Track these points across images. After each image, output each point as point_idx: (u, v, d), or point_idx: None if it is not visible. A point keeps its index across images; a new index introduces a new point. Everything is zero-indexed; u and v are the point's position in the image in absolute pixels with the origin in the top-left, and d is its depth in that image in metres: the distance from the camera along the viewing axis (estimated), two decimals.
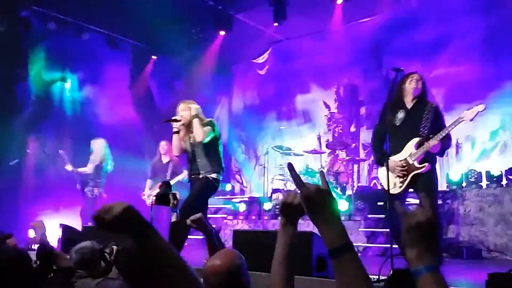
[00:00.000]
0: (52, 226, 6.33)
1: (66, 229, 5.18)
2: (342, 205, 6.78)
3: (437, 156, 4.16)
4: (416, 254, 1.15)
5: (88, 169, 7.36)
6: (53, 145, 8.23)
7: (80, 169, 7.34)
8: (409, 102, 4.20)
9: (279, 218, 1.52)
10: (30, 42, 8.14)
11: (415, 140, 4.01)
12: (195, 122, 4.63)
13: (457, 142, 7.58)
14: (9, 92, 7.82)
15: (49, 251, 2.56)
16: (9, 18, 7.59)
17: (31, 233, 6.31)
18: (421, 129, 4.03)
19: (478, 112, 3.87)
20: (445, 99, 7.60)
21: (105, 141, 7.57)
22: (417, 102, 4.17)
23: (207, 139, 4.63)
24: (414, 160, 3.97)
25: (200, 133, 4.57)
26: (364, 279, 1.16)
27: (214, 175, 4.56)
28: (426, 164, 3.93)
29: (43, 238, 3.59)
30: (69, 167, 7.29)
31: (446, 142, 4.01)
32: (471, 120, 3.91)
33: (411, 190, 4.12)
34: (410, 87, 4.15)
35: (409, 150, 4.03)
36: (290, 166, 1.39)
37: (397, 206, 3.75)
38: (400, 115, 4.15)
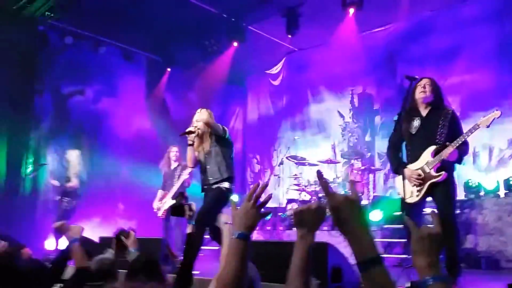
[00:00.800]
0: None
1: (83, 240, 5.19)
2: (376, 216, 6.72)
3: (455, 164, 4.04)
4: (426, 263, 1.17)
5: (74, 183, 7.13)
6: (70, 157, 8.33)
7: (69, 184, 7.12)
8: (423, 110, 4.09)
9: (296, 229, 1.51)
10: (48, 56, 8.30)
11: (432, 148, 3.91)
12: (211, 120, 4.65)
13: (474, 150, 7.48)
14: (27, 105, 7.96)
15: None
16: (27, 33, 7.75)
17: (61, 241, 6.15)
18: (438, 137, 3.92)
19: (494, 118, 3.78)
20: (460, 107, 7.52)
21: (79, 152, 7.42)
22: (432, 109, 4.05)
23: (227, 135, 4.67)
24: (431, 169, 3.88)
25: (219, 128, 4.59)
26: None
27: (226, 185, 4.56)
28: (443, 172, 3.84)
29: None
30: (55, 182, 7.18)
31: (463, 148, 3.89)
32: (488, 126, 3.82)
33: (429, 199, 4.01)
34: (419, 96, 4.05)
35: (426, 159, 3.94)
36: (320, 174, 1.37)
37: (406, 220, 3.62)
38: (416, 123, 4.06)
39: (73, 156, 7.36)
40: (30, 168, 7.88)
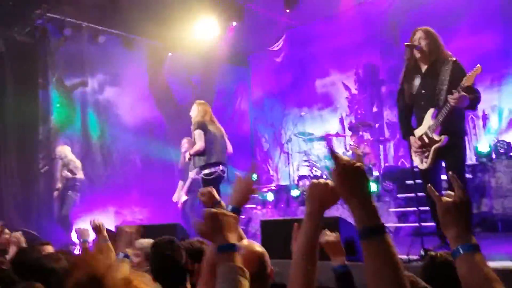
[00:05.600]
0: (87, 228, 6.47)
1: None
2: (388, 186, 6.78)
3: (463, 127, 3.80)
4: (456, 234, 1.17)
5: (80, 176, 7.33)
6: (80, 149, 8.40)
7: (78, 176, 7.33)
8: (423, 66, 3.78)
9: (306, 204, 1.43)
10: (48, 49, 8.28)
11: (432, 110, 3.66)
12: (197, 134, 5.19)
13: (484, 112, 7.40)
14: (32, 100, 7.99)
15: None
16: (25, 28, 7.72)
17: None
18: (437, 95, 3.63)
19: (477, 74, 3.49)
20: (466, 71, 7.41)
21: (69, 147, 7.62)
22: (431, 64, 3.74)
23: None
24: (433, 133, 3.65)
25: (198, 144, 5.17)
26: (395, 264, 1.08)
27: (206, 171, 4.70)
28: (443, 136, 3.59)
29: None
30: (67, 174, 7.31)
31: (473, 95, 3.54)
32: (473, 84, 3.53)
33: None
34: (417, 54, 3.73)
35: (428, 122, 3.70)
36: (329, 143, 1.35)
37: (429, 190, 3.49)
38: (416, 81, 3.78)
39: (66, 150, 7.45)
40: (42, 163, 7.95)
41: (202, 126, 5.27)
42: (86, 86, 8.83)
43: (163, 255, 2.42)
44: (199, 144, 5.20)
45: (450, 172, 1.47)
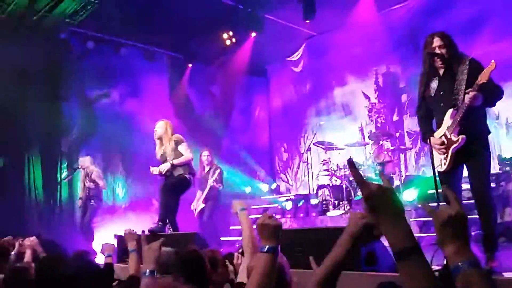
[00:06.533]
0: (108, 236, 6.55)
1: (121, 239, 5.27)
2: (410, 195, 6.68)
3: (487, 132, 3.65)
4: (455, 250, 1.11)
5: (102, 184, 7.53)
6: (102, 159, 8.53)
7: (100, 186, 7.51)
8: (440, 68, 3.73)
9: (343, 235, 1.39)
10: (72, 62, 8.48)
11: (450, 110, 3.57)
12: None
13: (507, 121, 7.27)
14: (56, 112, 8.17)
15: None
16: (50, 42, 7.92)
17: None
18: (455, 96, 3.54)
19: (491, 71, 3.37)
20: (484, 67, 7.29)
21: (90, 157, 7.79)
22: (448, 66, 3.68)
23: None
24: (452, 134, 3.56)
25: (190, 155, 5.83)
26: (431, 283, 1.09)
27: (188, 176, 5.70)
28: (461, 136, 3.49)
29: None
30: (90, 185, 7.44)
31: (490, 90, 3.46)
32: (488, 81, 3.37)
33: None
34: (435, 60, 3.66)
35: (447, 123, 3.61)
36: (350, 162, 1.31)
37: (445, 190, 3.40)
38: (434, 84, 3.73)
39: (87, 161, 7.59)
40: (64, 173, 8.11)
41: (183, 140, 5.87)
42: (108, 97, 8.99)
43: (191, 265, 2.44)
44: (191, 155, 5.83)
45: (446, 186, 1.39)
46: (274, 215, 1.70)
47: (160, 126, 5.99)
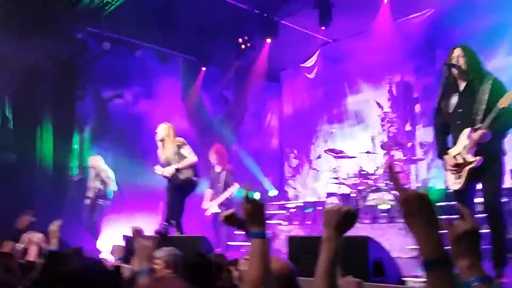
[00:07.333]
0: (117, 236, 6.55)
1: (129, 240, 5.26)
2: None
3: (504, 147, 3.63)
4: (468, 265, 1.12)
5: (111, 185, 7.62)
6: (113, 159, 8.57)
7: (110, 186, 7.63)
8: (461, 84, 3.66)
9: (323, 229, 1.47)
10: (87, 62, 8.56)
11: (467, 130, 3.53)
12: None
13: None
14: (70, 111, 8.26)
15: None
16: (67, 41, 8.01)
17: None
18: (474, 115, 3.49)
19: None
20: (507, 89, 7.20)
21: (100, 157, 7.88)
22: (469, 82, 3.62)
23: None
24: (468, 153, 3.51)
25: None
26: None
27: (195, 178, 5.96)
28: (477, 158, 3.46)
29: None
30: (99, 186, 7.57)
31: (504, 122, 3.45)
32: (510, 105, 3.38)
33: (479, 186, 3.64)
34: (454, 71, 3.63)
35: (463, 142, 3.57)
36: (390, 166, 1.33)
37: (458, 208, 3.34)
38: (453, 100, 3.67)
39: (98, 161, 7.63)
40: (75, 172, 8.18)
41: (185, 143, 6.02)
42: (121, 98, 9.06)
43: (196, 268, 2.44)
44: (195, 158, 5.96)
45: (459, 204, 1.40)
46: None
47: (162, 129, 6.04)
